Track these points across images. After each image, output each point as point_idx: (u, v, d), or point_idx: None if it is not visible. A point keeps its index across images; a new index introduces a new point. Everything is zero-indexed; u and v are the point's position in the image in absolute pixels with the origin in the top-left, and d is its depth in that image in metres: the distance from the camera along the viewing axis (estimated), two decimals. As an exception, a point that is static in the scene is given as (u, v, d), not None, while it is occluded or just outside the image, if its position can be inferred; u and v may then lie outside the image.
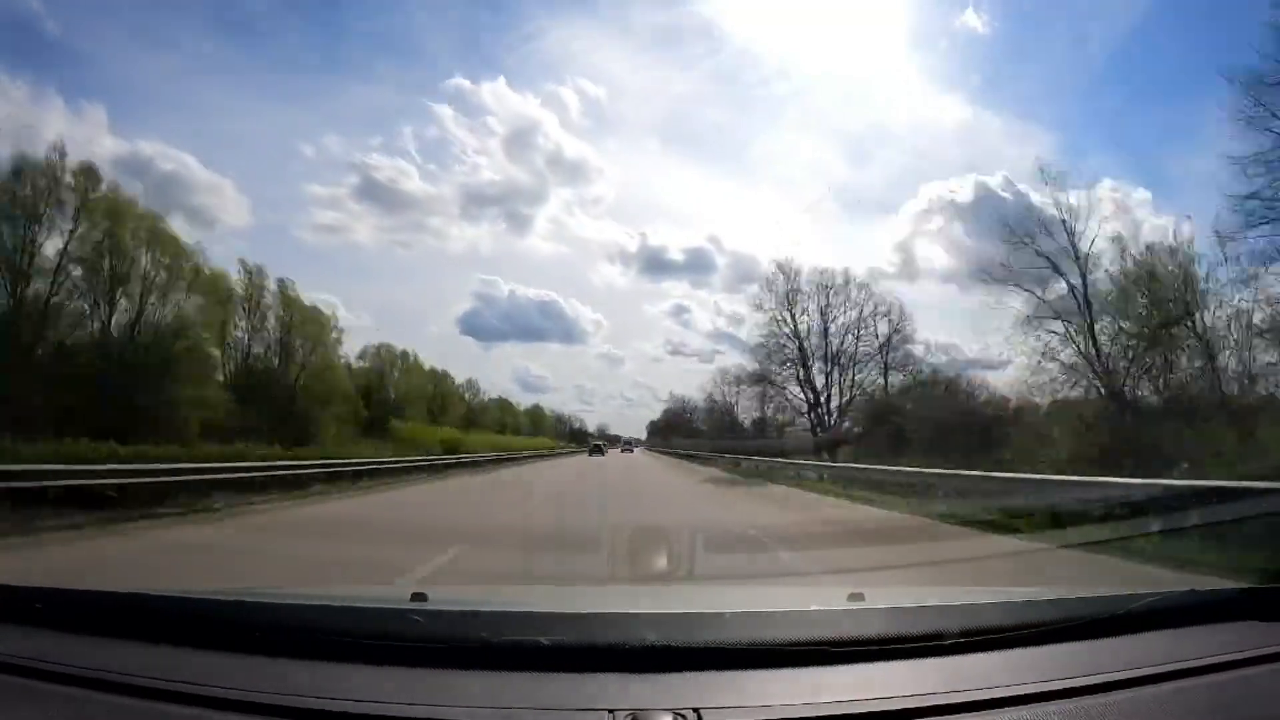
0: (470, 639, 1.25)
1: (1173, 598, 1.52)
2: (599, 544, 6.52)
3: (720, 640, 1.24)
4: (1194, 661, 1.24)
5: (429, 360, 52.23)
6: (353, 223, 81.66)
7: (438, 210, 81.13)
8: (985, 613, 1.43)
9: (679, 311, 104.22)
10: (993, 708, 1.09)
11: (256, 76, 60.86)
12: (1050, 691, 1.12)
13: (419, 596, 1.56)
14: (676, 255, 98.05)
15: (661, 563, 4.92)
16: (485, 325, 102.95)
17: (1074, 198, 22.20)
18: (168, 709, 1.10)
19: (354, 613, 1.47)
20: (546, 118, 78.39)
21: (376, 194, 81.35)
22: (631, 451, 70.82)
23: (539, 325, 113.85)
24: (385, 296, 73.16)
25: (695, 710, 1.05)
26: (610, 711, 1.05)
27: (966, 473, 13.29)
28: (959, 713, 1.07)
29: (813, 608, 1.53)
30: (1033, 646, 1.29)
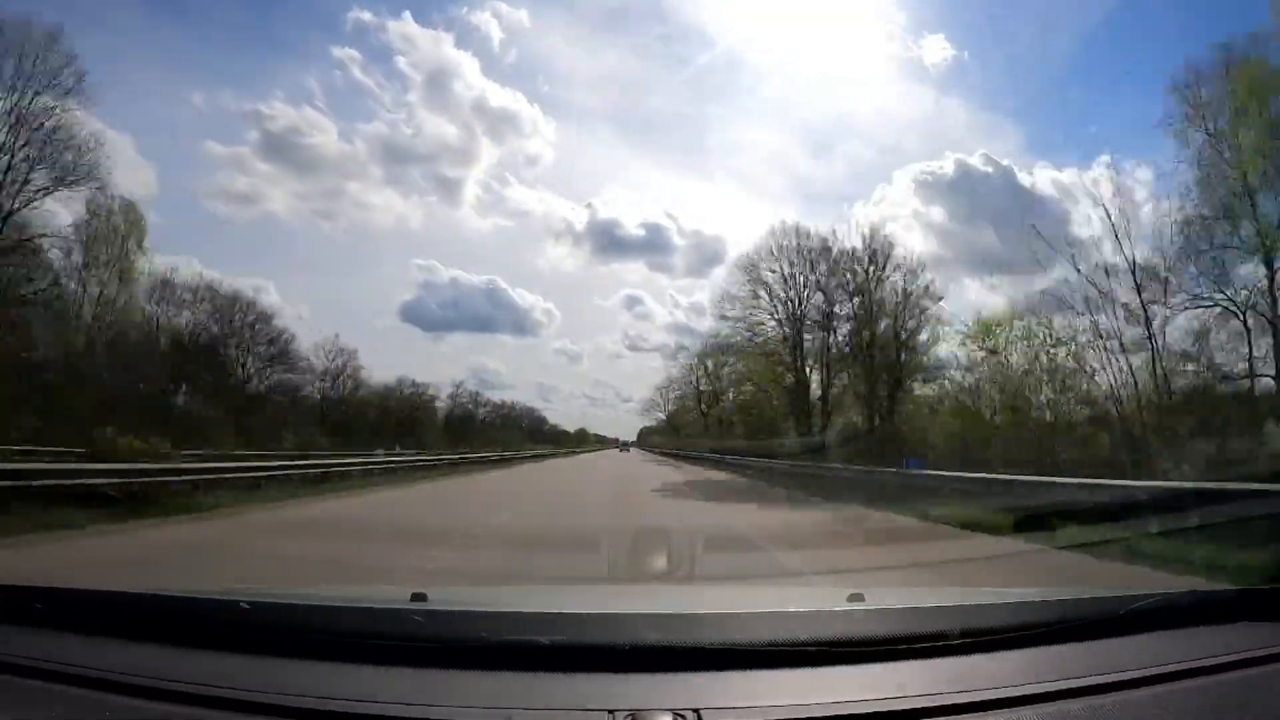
0: (470, 639, 1.25)
1: (1174, 598, 1.52)
2: (599, 544, 6.52)
3: (720, 640, 1.24)
4: (1195, 662, 1.24)
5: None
6: (266, 189, 75.57)
7: (356, 172, 73.92)
8: (985, 613, 1.44)
9: (633, 303, 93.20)
10: (993, 708, 1.09)
11: (133, 21, 53.40)
12: (1051, 692, 1.12)
13: (419, 596, 1.56)
14: (629, 233, 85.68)
15: (661, 563, 4.93)
16: (429, 315, 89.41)
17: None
18: (168, 709, 1.10)
19: (354, 613, 1.47)
20: (465, 60, 71.09)
21: (283, 152, 68.96)
22: (627, 451, 71.36)
23: (486, 314, 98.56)
24: (323, 286, 68.34)
25: (695, 710, 1.05)
26: (610, 712, 1.05)
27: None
28: (959, 713, 1.07)
29: (813, 608, 1.53)
30: (1033, 647, 1.29)
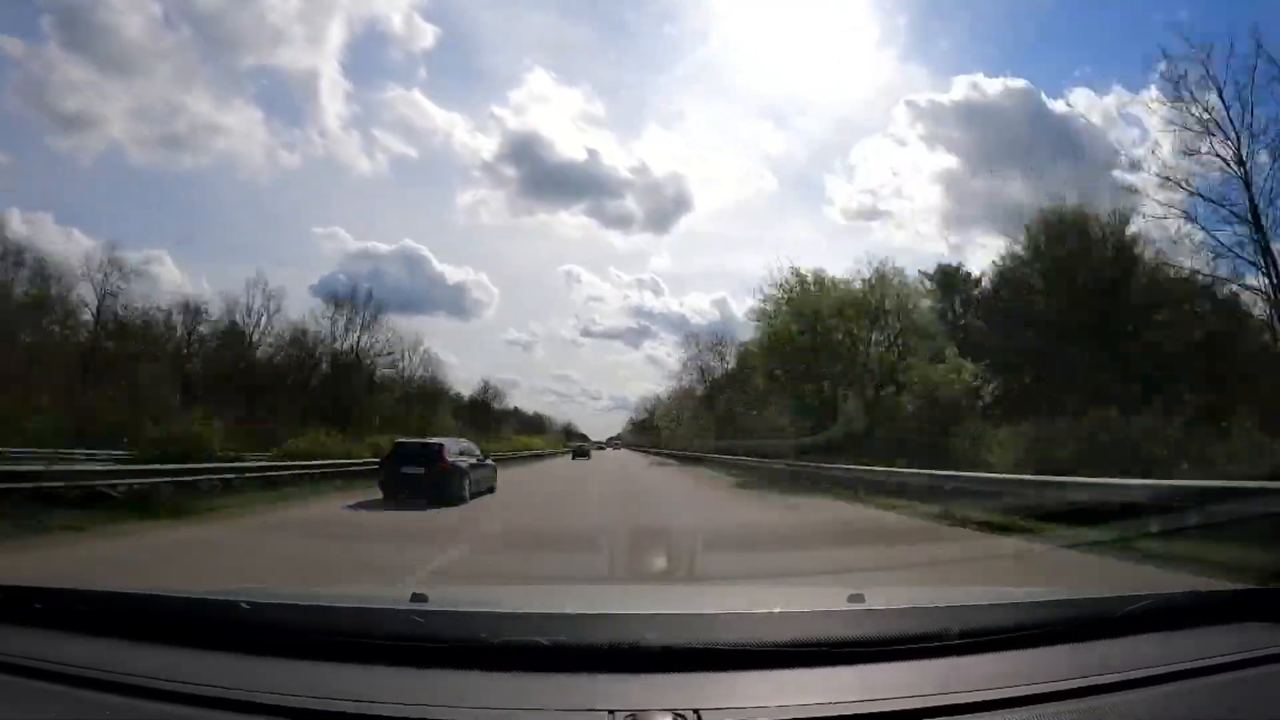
0: (470, 639, 1.25)
1: (1173, 599, 1.52)
2: (598, 544, 6.52)
3: (720, 641, 1.24)
4: (1194, 663, 1.24)
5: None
6: (95, 104, 59.76)
7: (183, 70, 57.23)
8: (985, 613, 1.44)
9: (574, 278, 75.82)
10: (993, 709, 1.09)
11: None
12: (1050, 693, 1.12)
13: (419, 597, 1.56)
14: (557, 160, 64.16)
15: (661, 563, 4.93)
16: (344, 292, 79.90)
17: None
18: (168, 709, 1.10)
19: (354, 613, 1.47)
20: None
21: (86, 39, 56.49)
22: (619, 449, 69.31)
23: (411, 290, 78.55)
24: (218, 257, 59.27)
25: (695, 710, 1.05)
26: (610, 712, 1.05)
27: None
28: (959, 713, 1.07)
29: (813, 608, 1.53)
30: (1033, 647, 1.29)
